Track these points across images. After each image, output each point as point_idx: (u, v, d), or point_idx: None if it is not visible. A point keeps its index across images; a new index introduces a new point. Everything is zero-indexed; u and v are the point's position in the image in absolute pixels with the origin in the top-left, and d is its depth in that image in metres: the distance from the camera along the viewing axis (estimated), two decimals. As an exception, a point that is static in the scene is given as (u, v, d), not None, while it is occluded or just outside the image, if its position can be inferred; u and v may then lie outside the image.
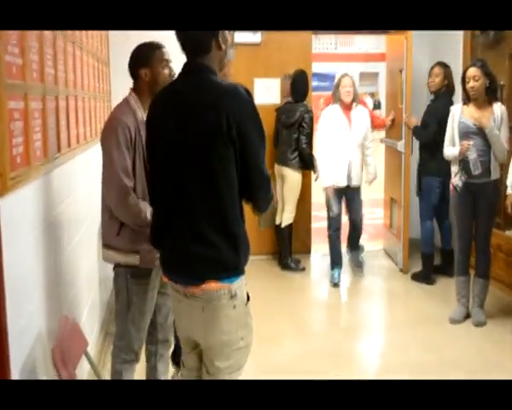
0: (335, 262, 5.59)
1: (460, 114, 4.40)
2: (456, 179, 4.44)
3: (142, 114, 2.74)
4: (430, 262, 5.53)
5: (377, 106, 21.17)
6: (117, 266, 2.84)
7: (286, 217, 5.91)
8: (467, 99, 4.41)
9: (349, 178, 5.34)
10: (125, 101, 2.81)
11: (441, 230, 5.64)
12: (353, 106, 5.38)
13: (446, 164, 5.04)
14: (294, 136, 5.65)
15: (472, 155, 4.25)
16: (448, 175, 4.94)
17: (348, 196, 5.53)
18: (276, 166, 5.90)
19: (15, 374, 1.93)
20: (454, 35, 5.81)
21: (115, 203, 2.68)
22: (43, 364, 2.32)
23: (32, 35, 2.33)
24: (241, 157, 2.11)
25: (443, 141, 4.91)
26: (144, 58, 2.78)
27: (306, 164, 5.77)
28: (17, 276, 2.00)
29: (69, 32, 3.18)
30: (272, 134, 5.83)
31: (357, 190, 5.52)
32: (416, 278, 5.54)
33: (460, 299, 4.62)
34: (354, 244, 5.96)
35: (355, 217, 5.67)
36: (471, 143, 4.21)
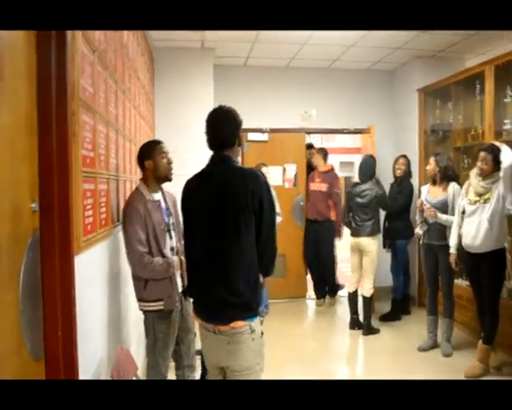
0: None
1: (426, 193, 4.50)
2: (417, 229, 4.53)
3: (149, 196, 2.83)
4: (399, 306, 5.47)
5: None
6: (146, 312, 2.86)
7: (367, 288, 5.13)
8: (432, 180, 4.50)
9: None
10: (136, 189, 2.90)
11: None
12: None
13: (410, 229, 5.18)
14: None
15: (431, 220, 4.34)
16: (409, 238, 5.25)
17: None
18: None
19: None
20: (411, 133, 5.95)
21: (133, 265, 2.76)
22: (103, 385, 2.29)
23: (101, 134, 2.41)
24: (259, 224, 2.15)
25: (409, 213, 5.12)
26: (147, 152, 2.89)
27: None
28: (86, 316, 2.01)
29: (127, 132, 3.28)
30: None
31: None
32: (385, 318, 5.43)
33: (429, 333, 4.56)
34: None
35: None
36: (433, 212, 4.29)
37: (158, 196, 2.91)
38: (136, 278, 2.82)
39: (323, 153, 6.09)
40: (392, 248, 5.43)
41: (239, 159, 3.28)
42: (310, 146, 6.68)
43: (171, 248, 2.86)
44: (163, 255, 2.78)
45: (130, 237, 2.71)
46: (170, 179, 2.93)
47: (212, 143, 2.29)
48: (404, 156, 5.51)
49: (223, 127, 2.26)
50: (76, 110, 1.94)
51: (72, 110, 1.86)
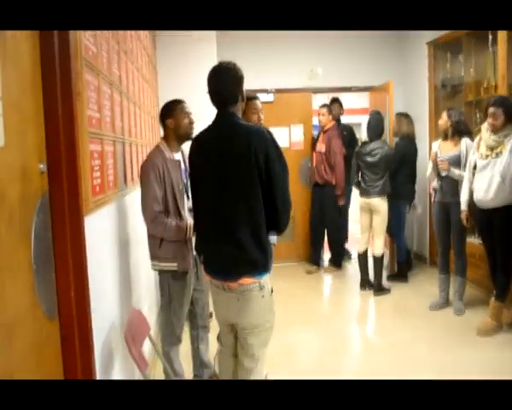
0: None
1: (437, 148, 4.43)
2: (434, 183, 4.47)
3: (169, 155, 2.83)
4: (405, 267, 5.48)
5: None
6: (161, 272, 2.89)
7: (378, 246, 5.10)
8: (444, 136, 4.44)
9: None
10: (157, 146, 2.90)
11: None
12: None
13: (409, 190, 5.21)
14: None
15: (444, 173, 4.30)
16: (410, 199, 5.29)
17: None
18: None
19: (97, 352, 1.95)
20: (421, 88, 5.86)
21: (148, 223, 2.77)
22: (118, 344, 2.33)
23: (105, 95, 2.39)
24: (267, 181, 2.13)
25: (410, 174, 5.12)
26: (169, 111, 2.88)
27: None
28: (97, 277, 2.03)
29: (131, 94, 3.25)
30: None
31: None
32: (392, 278, 5.47)
33: (440, 292, 4.59)
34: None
35: None
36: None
37: (178, 155, 2.90)
38: (150, 236, 2.84)
39: (330, 107, 5.86)
40: (392, 208, 5.17)
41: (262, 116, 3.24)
42: (335, 100, 6.27)
43: (190, 209, 2.86)
44: (181, 216, 2.79)
45: (146, 194, 2.72)
46: (191, 139, 2.92)
47: (214, 101, 2.28)
48: (406, 115, 5.43)
49: (223, 85, 2.23)
50: (80, 69, 1.92)
51: (76, 69, 1.84)
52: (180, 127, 2.85)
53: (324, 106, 5.84)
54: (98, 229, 2.18)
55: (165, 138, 2.90)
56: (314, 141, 6.11)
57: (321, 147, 5.81)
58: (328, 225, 5.95)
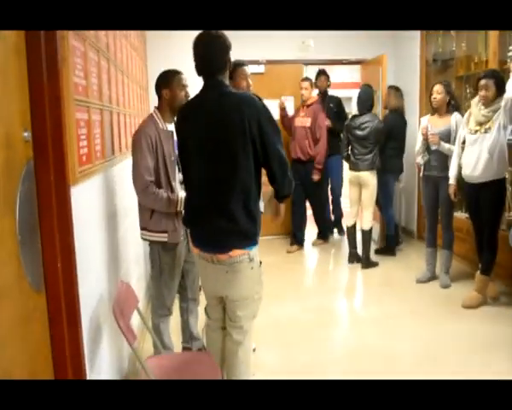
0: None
1: (427, 123, 4.37)
2: (419, 158, 4.43)
3: (162, 125, 2.77)
4: (393, 240, 5.48)
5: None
6: (151, 243, 2.85)
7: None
8: (432, 110, 4.39)
9: None
10: (150, 115, 2.83)
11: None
12: None
13: (397, 164, 5.19)
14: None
15: (434, 147, 4.27)
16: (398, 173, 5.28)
17: None
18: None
19: (85, 325, 1.92)
20: (412, 63, 5.79)
21: (138, 193, 2.72)
22: (106, 317, 2.31)
23: (92, 61, 2.31)
24: (262, 148, 2.09)
25: (398, 148, 5.12)
26: (166, 81, 2.80)
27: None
28: (84, 249, 1.98)
29: (119, 62, 3.16)
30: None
31: None
32: (380, 252, 5.49)
33: (427, 266, 4.62)
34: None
35: None
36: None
37: (171, 127, 2.83)
38: (141, 206, 2.79)
39: (311, 80, 5.66)
40: (381, 181, 5.13)
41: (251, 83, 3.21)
42: (321, 72, 6.10)
43: (181, 182, 2.82)
44: (171, 187, 2.74)
45: (137, 163, 2.66)
46: None
47: (201, 68, 2.20)
48: (397, 88, 5.38)
49: (212, 52, 2.17)
50: (65, 34, 1.84)
51: (61, 33, 1.76)
52: (175, 99, 2.77)
53: (306, 79, 5.64)
54: (85, 199, 2.12)
55: (159, 108, 2.83)
56: (289, 116, 5.79)
57: (304, 121, 5.56)
58: (314, 201, 5.82)
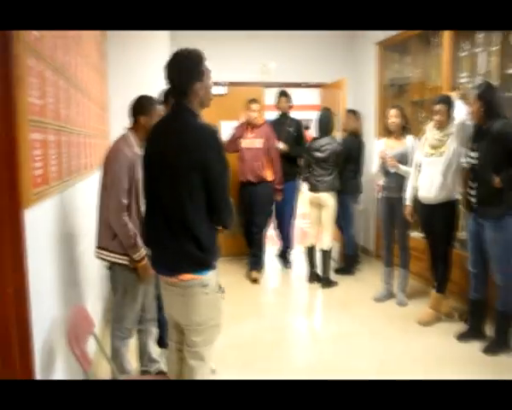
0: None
1: (383, 146, 4.50)
2: (381, 181, 4.55)
3: (137, 149, 2.71)
4: (352, 260, 5.59)
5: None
6: (112, 264, 2.78)
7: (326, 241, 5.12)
8: (388, 133, 4.52)
9: None
10: (125, 137, 2.76)
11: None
12: None
13: (355, 185, 5.33)
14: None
15: (392, 170, 4.39)
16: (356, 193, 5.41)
17: None
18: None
19: (38, 353, 1.84)
20: (369, 87, 5.95)
21: (112, 214, 2.64)
22: (60, 343, 2.22)
23: (49, 81, 2.25)
24: (208, 183, 2.06)
25: (354, 170, 5.32)
26: (146, 109, 2.77)
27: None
28: (38, 274, 1.91)
29: (79, 81, 3.10)
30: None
31: None
32: (340, 271, 5.55)
33: (385, 284, 4.70)
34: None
35: None
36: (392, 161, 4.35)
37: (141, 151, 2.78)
38: (105, 223, 2.71)
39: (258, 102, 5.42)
40: (340, 202, 5.15)
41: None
42: (282, 93, 5.86)
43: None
44: (140, 215, 2.68)
45: (116, 184, 2.59)
46: None
47: (170, 91, 2.20)
48: (354, 112, 5.53)
49: (175, 74, 2.12)
50: (21, 53, 1.79)
51: (16, 52, 1.71)
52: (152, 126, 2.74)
53: (255, 101, 5.40)
54: (41, 221, 2.05)
55: (134, 131, 2.78)
56: (233, 138, 5.47)
57: (254, 143, 5.31)
58: (261, 224, 5.46)
